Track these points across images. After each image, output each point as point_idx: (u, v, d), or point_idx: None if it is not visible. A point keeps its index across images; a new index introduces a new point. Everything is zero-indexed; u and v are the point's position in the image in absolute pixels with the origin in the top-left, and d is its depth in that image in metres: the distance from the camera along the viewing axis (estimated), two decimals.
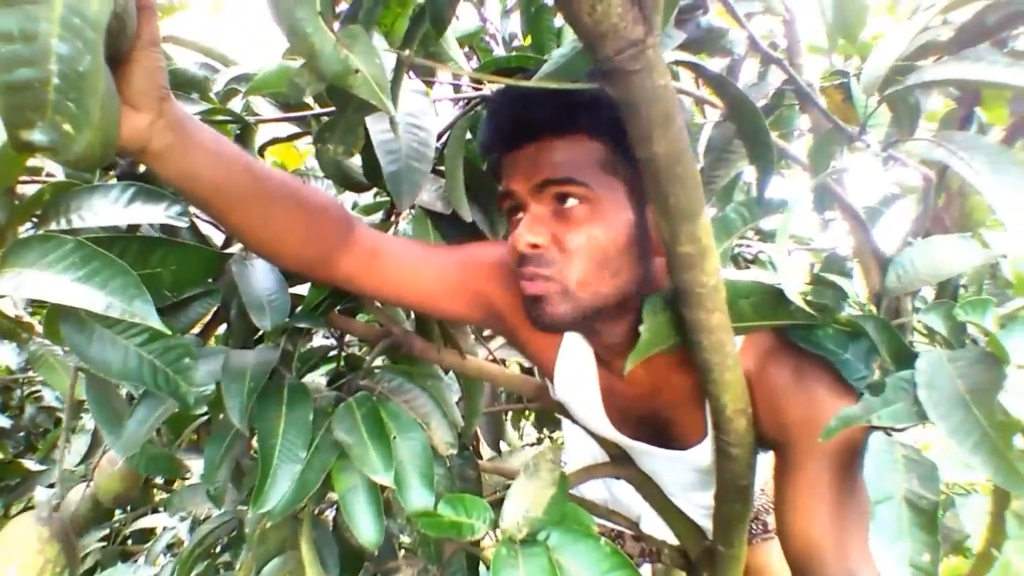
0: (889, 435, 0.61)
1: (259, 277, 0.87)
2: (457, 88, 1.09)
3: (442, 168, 0.96)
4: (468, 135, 0.99)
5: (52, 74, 0.30)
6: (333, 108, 0.76)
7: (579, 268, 0.69)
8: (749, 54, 1.21)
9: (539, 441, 2.16)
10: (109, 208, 0.66)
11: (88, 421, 1.74)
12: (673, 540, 1.06)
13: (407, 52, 0.61)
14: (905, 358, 0.66)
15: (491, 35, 1.95)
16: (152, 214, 0.67)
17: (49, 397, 2.04)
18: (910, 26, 0.69)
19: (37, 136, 0.30)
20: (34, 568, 0.82)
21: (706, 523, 0.99)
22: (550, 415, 1.73)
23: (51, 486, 1.80)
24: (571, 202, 0.69)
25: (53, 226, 0.64)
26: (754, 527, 1.14)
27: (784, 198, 0.80)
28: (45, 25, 0.29)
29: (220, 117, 0.87)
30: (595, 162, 0.69)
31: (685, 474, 0.90)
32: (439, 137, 0.98)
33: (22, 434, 2.05)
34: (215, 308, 0.87)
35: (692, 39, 1.05)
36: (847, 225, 0.94)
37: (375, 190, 1.12)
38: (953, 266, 0.71)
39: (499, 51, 1.94)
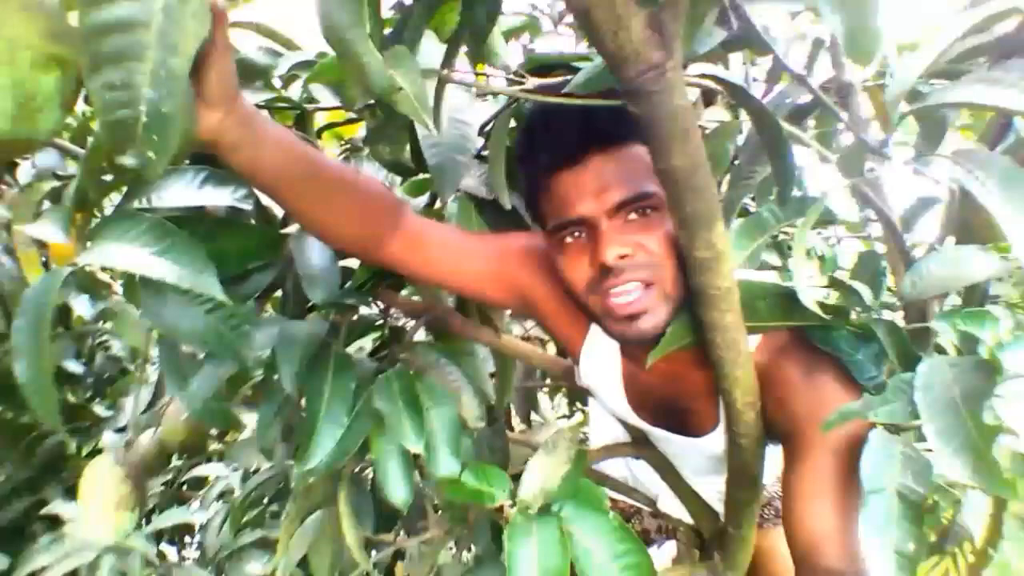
0: (894, 432, 0.64)
1: (314, 253, 0.94)
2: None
3: (485, 154, 1.00)
4: (512, 122, 1.04)
5: (141, 114, 0.38)
6: None
7: (669, 266, 0.71)
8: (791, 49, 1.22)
9: (571, 414, 2.21)
10: (183, 190, 0.74)
11: (152, 373, 1.87)
12: (688, 519, 1.11)
13: (446, 72, 0.66)
14: (913, 362, 0.69)
15: (542, 12, 1.96)
16: (221, 196, 0.75)
17: (117, 347, 2.17)
18: (939, 40, 0.70)
19: (128, 160, 0.39)
20: (112, 502, 0.94)
21: (719, 506, 1.03)
22: (581, 391, 1.79)
23: (119, 430, 1.96)
24: (647, 211, 0.71)
25: (135, 205, 0.72)
26: (766, 512, 1.17)
27: (820, 197, 0.82)
28: (139, 77, 0.37)
29: (281, 104, 0.94)
30: (650, 166, 0.69)
31: (699, 459, 0.94)
32: (484, 126, 1.02)
33: (91, 380, 2.20)
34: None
35: (735, 36, 1.06)
36: (881, 227, 0.95)
37: None
38: (968, 275, 0.73)
39: (548, 27, 1.95)
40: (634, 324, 0.72)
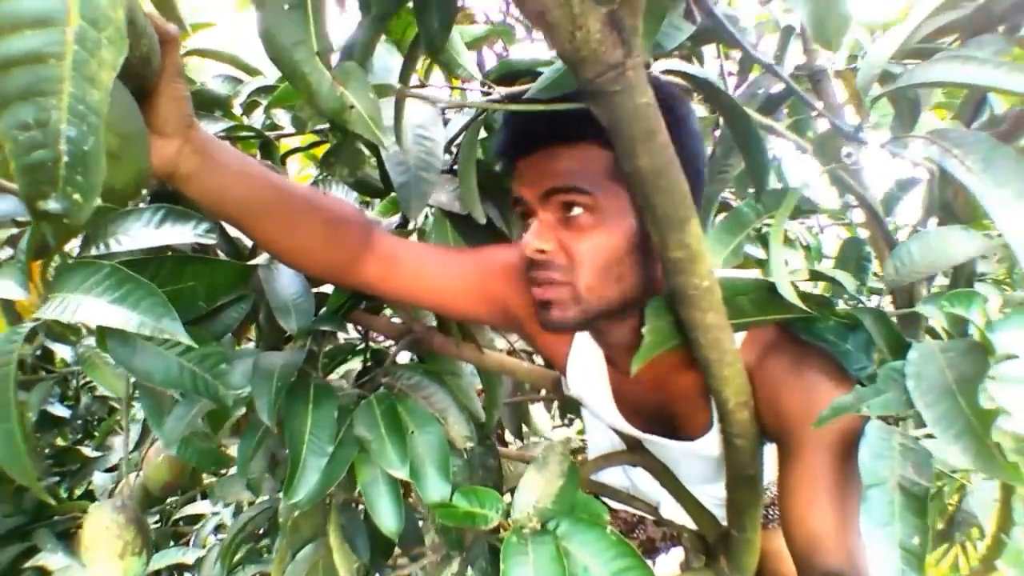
0: (889, 423, 0.62)
1: (284, 281, 0.91)
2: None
3: (457, 168, 0.98)
4: (483, 133, 1.01)
5: (62, 154, 0.35)
6: None
7: (586, 274, 0.71)
8: (763, 38, 1.21)
9: (568, 423, 2.19)
10: (142, 231, 0.71)
11: (139, 411, 1.83)
12: (692, 525, 1.09)
13: (401, 87, 0.63)
14: (902, 349, 0.67)
15: (516, 19, 1.96)
16: (182, 234, 0.72)
17: (102, 387, 2.12)
18: (909, 21, 0.69)
19: (52, 205, 0.36)
20: (116, 550, 0.91)
21: (719, 512, 1.01)
22: (573, 401, 1.77)
23: (109, 470, 1.91)
24: (576, 211, 0.70)
25: (93, 251, 0.70)
26: (771, 512, 1.15)
27: (796, 187, 0.80)
28: (56, 113, 0.34)
29: (243, 133, 0.92)
30: (601, 170, 0.70)
31: (696, 464, 0.92)
32: (453, 140, 1.00)
33: (79, 422, 2.16)
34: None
35: (704, 29, 1.05)
36: (862, 213, 0.94)
37: None
38: (951, 257, 0.71)
39: (521, 33, 1.94)
40: (547, 310, 0.73)
